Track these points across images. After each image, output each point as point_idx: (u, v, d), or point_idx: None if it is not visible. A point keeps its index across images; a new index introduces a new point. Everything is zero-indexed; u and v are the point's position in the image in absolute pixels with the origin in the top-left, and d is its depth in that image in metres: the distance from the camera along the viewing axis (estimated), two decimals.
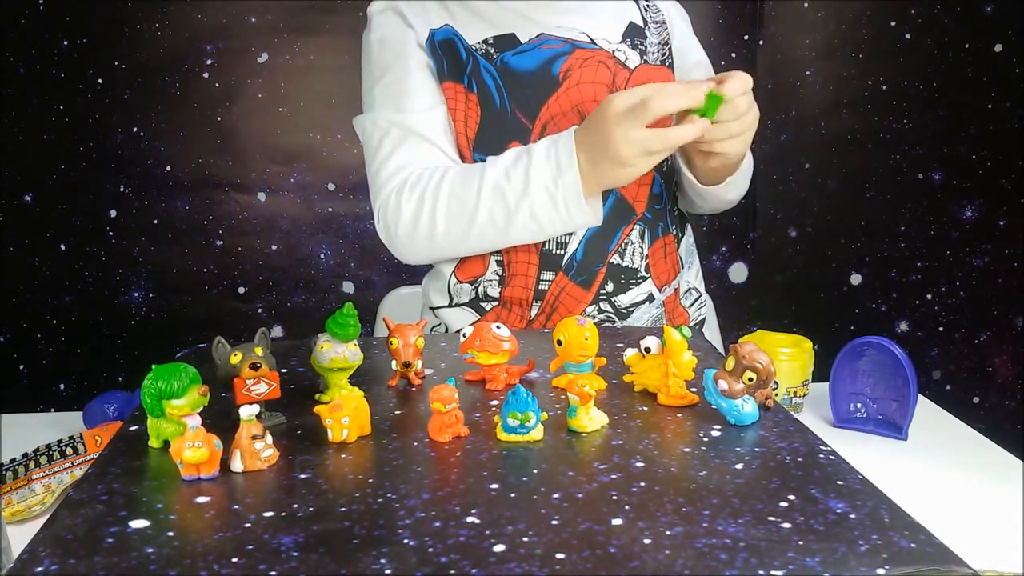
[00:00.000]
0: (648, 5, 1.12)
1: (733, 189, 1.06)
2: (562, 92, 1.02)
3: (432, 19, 1.05)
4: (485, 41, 1.03)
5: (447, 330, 1.09)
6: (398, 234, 1.01)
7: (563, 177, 0.92)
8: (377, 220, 1.04)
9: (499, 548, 0.46)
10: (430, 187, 0.98)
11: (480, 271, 1.05)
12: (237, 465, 0.57)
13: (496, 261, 1.04)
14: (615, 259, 1.04)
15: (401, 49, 1.04)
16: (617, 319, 1.05)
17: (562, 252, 1.02)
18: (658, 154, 0.88)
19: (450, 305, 1.09)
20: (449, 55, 1.03)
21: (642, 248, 1.05)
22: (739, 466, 0.57)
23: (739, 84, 0.86)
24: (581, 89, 1.02)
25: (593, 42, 1.05)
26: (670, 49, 1.12)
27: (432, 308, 1.11)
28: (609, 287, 1.04)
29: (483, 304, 1.06)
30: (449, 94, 1.03)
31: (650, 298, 1.06)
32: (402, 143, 1.02)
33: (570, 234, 1.02)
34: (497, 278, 1.05)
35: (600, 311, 1.04)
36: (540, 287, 1.03)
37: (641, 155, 0.87)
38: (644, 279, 1.06)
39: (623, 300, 1.04)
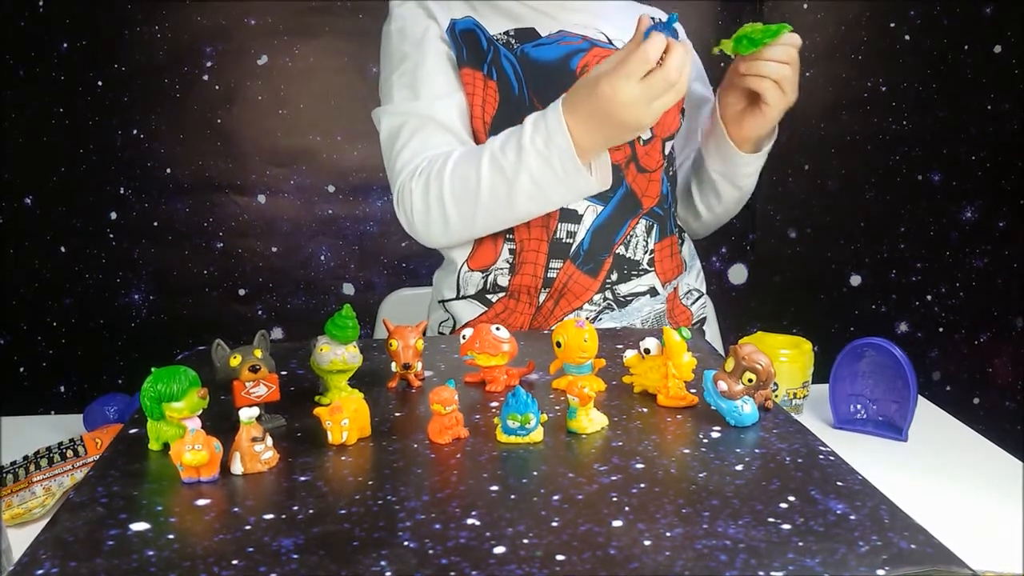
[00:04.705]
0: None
1: (756, 164, 1.09)
2: None
3: (454, 12, 1.06)
4: (506, 33, 1.05)
5: (455, 324, 1.10)
6: (414, 221, 1.03)
7: (554, 140, 0.91)
8: (396, 209, 1.05)
9: (499, 550, 0.46)
10: (434, 171, 0.99)
11: (492, 259, 1.06)
12: (237, 467, 0.57)
13: (509, 250, 1.05)
14: (620, 250, 1.05)
15: (421, 39, 1.05)
16: (616, 307, 1.06)
17: (571, 241, 1.04)
18: (663, 96, 0.86)
19: (457, 297, 1.09)
20: (469, 43, 1.04)
21: (647, 242, 1.07)
22: (739, 467, 0.57)
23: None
24: None
25: (611, 42, 1.07)
26: None
27: (441, 301, 1.12)
28: (614, 276, 1.05)
29: (489, 296, 1.07)
30: (467, 80, 1.04)
31: (652, 292, 1.07)
32: (418, 131, 1.03)
33: (578, 224, 1.03)
34: (508, 266, 1.06)
35: (604, 300, 1.05)
36: (549, 275, 1.04)
37: (647, 105, 0.86)
38: (646, 272, 1.07)
39: (622, 290, 1.06)
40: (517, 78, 1.03)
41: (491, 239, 1.06)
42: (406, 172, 1.02)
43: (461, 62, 1.04)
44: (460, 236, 1.05)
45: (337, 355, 0.68)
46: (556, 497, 0.53)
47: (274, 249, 1.89)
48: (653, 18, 0.87)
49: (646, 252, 1.07)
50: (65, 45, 1.77)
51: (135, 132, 1.81)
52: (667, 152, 1.10)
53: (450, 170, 0.98)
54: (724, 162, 1.10)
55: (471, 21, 1.05)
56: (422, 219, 1.02)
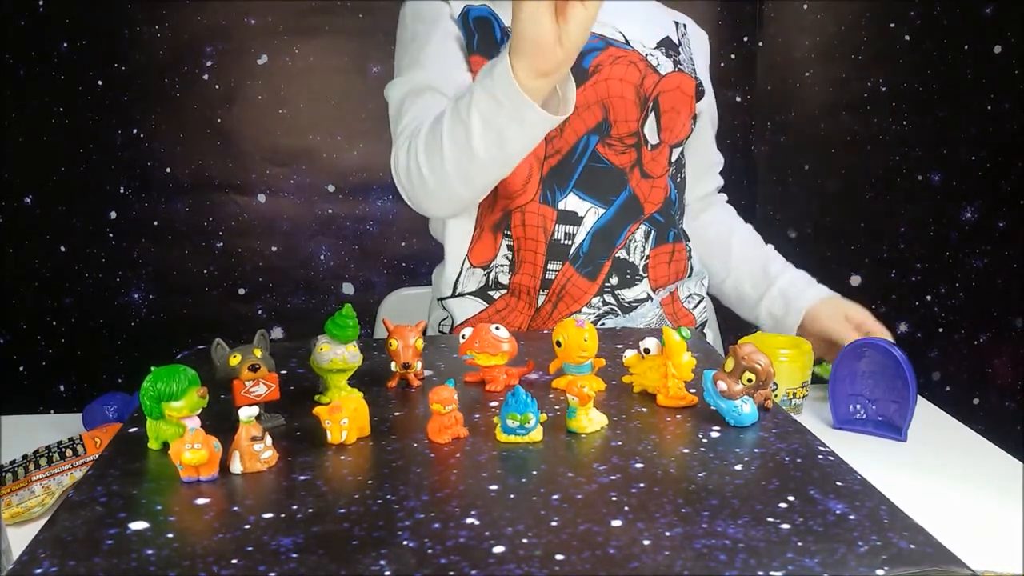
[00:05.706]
0: (684, 32, 1.15)
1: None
2: (589, 85, 1.02)
3: (471, 0, 1.06)
4: None
5: (454, 322, 1.10)
6: (402, 184, 1.03)
7: (496, 71, 0.86)
8: (393, 174, 1.05)
9: (499, 549, 0.46)
10: (415, 132, 0.99)
11: (491, 254, 1.06)
12: (236, 467, 0.57)
13: (507, 246, 1.06)
14: (621, 254, 1.05)
15: (433, 20, 1.07)
16: (620, 312, 1.06)
17: (570, 243, 1.04)
18: None
19: (454, 295, 1.09)
20: (482, 32, 1.04)
21: (644, 248, 1.06)
22: (738, 467, 0.57)
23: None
24: (609, 85, 1.03)
25: (627, 42, 1.06)
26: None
27: (440, 299, 1.12)
28: (614, 280, 1.05)
29: (491, 292, 1.07)
30: (477, 67, 1.04)
31: (650, 297, 1.07)
32: (417, 99, 1.04)
33: (578, 226, 1.03)
34: (508, 263, 1.06)
35: (604, 303, 1.05)
36: (547, 276, 1.04)
37: None
38: (644, 278, 1.07)
39: (627, 295, 1.06)
40: None
41: (489, 233, 1.06)
42: (400, 139, 1.02)
43: (472, 49, 1.04)
44: (440, 195, 1.00)
45: (337, 354, 0.68)
46: (555, 496, 0.53)
47: (274, 249, 1.89)
48: None
49: (643, 258, 1.07)
50: (65, 45, 1.76)
51: (135, 132, 1.81)
52: (674, 159, 1.10)
53: (426, 128, 0.98)
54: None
55: (486, 9, 1.05)
56: (407, 181, 1.01)
